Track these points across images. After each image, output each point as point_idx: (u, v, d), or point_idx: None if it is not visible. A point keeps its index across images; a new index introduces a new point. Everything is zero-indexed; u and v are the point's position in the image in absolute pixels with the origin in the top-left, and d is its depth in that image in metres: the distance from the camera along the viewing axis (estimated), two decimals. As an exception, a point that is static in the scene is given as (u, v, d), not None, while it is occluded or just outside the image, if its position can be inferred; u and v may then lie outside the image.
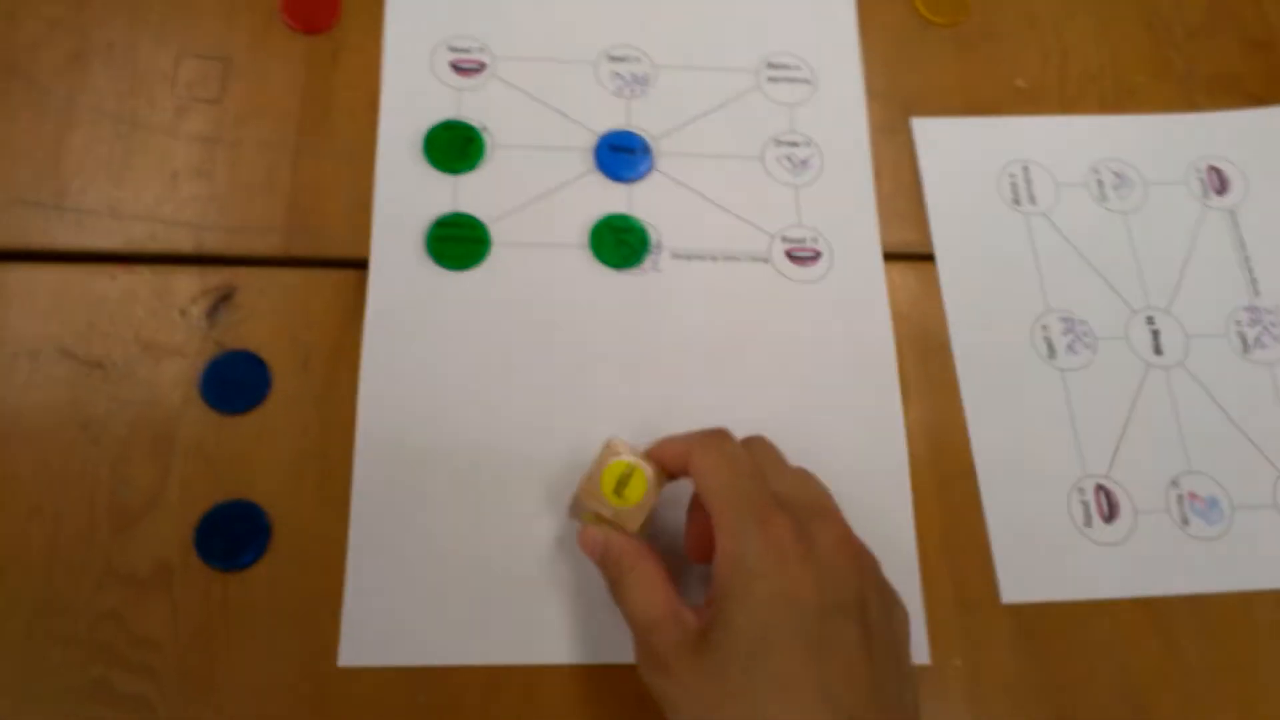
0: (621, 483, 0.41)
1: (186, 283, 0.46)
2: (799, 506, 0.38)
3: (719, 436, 0.40)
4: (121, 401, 0.44)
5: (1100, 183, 0.55)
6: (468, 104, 0.52)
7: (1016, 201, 0.54)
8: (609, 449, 0.41)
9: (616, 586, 0.39)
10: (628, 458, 0.41)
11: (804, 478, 0.41)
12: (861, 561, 0.38)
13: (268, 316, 0.46)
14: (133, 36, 0.51)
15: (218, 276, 0.46)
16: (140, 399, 0.44)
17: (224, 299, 0.46)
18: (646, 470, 0.41)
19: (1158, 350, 0.51)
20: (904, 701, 0.36)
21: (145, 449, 0.43)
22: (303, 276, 0.47)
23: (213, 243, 0.47)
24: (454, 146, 0.50)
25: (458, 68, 0.52)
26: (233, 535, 0.42)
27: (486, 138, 0.51)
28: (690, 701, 0.35)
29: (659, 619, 0.37)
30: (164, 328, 0.45)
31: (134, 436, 0.43)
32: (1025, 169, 0.55)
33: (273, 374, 0.45)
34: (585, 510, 0.41)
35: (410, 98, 0.51)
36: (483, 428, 0.46)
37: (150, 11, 0.51)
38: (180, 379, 0.45)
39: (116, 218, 0.47)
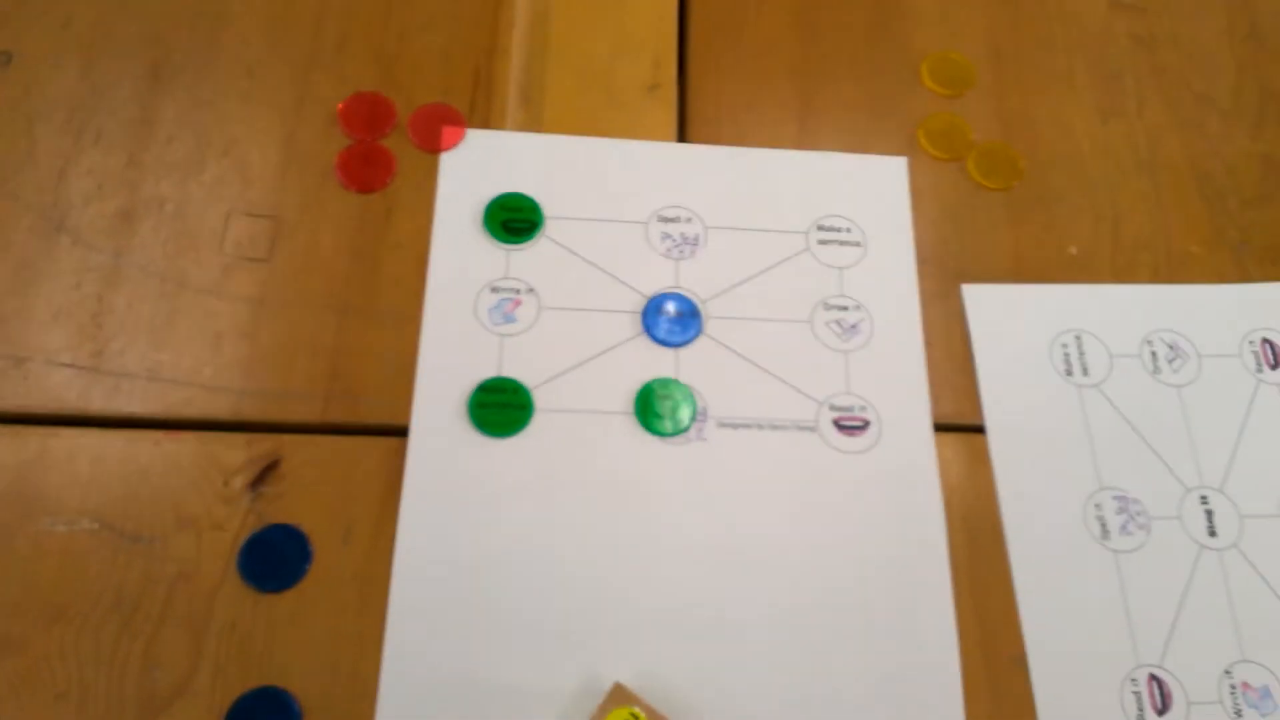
0: None
1: (232, 451, 0.47)
2: None
3: None
4: (157, 578, 0.44)
5: (1154, 354, 0.55)
6: (516, 264, 0.52)
7: (1069, 372, 0.54)
8: (614, 695, 0.42)
9: None
10: (631, 705, 0.41)
11: None
12: None
13: (312, 487, 0.46)
14: (184, 193, 0.52)
15: (263, 445, 0.47)
16: (177, 575, 0.44)
17: (269, 469, 0.46)
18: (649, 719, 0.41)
19: (1212, 532, 0.51)
20: None
21: (179, 629, 0.43)
22: (347, 445, 0.47)
23: (250, 408, 0.48)
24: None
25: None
26: (263, 725, 0.42)
27: (536, 297, 0.52)
28: None
29: None
30: (205, 499, 0.46)
31: (168, 616, 0.43)
32: (1078, 339, 0.55)
33: (314, 548, 0.45)
34: None
35: (460, 257, 0.52)
36: (517, 615, 0.45)
37: (204, 169, 0.53)
38: (220, 553, 0.45)
39: (154, 380, 0.48)
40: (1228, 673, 0.48)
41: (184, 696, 0.42)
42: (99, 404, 0.47)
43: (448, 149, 0.55)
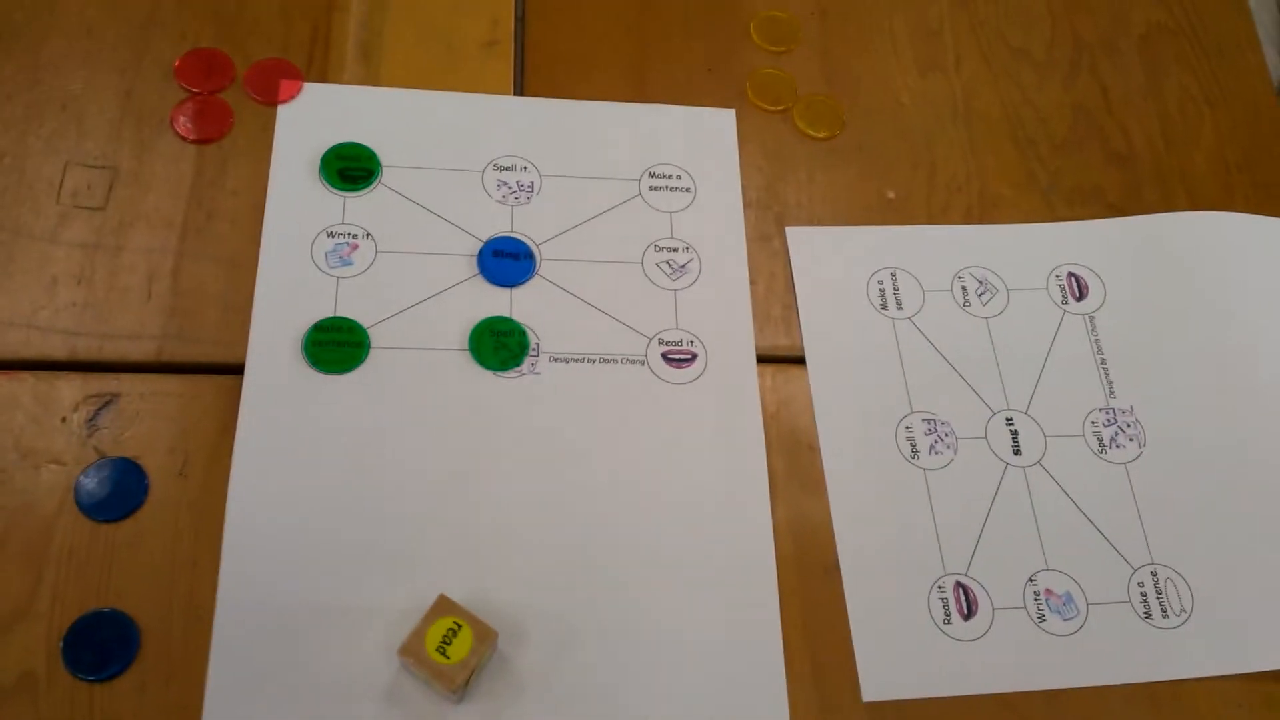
0: (447, 640, 0.45)
1: (69, 389, 0.49)
2: None
3: None
4: (-4, 508, 0.46)
5: (964, 289, 0.60)
6: (352, 210, 0.56)
7: (884, 306, 0.59)
8: (437, 606, 0.45)
9: None
10: (455, 615, 0.45)
11: None
12: None
13: (148, 423, 0.49)
14: (22, 146, 0.54)
15: (100, 383, 0.50)
16: (15, 505, 0.47)
17: (105, 405, 0.49)
18: (473, 628, 0.45)
19: (1016, 450, 0.56)
20: None
21: (17, 557, 0.46)
22: (184, 383, 0.50)
23: (86, 349, 0.50)
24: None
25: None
26: (101, 646, 0.44)
27: (373, 241, 0.55)
28: None
29: None
30: (44, 434, 0.48)
31: (7, 544, 0.46)
32: (893, 275, 0.60)
33: (150, 481, 0.48)
34: (409, 665, 0.45)
35: (296, 204, 0.55)
36: (351, 542, 0.49)
37: (43, 123, 0.55)
38: (57, 486, 0.47)
39: (-9, 323, 0.50)
40: (1031, 580, 0.53)
41: (24, 619, 0.45)
42: (-64, 347, 0.50)
43: (285, 101, 0.58)
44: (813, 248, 0.60)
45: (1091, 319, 0.60)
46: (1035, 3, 0.70)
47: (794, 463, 0.54)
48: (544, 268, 0.56)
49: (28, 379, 0.49)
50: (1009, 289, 0.61)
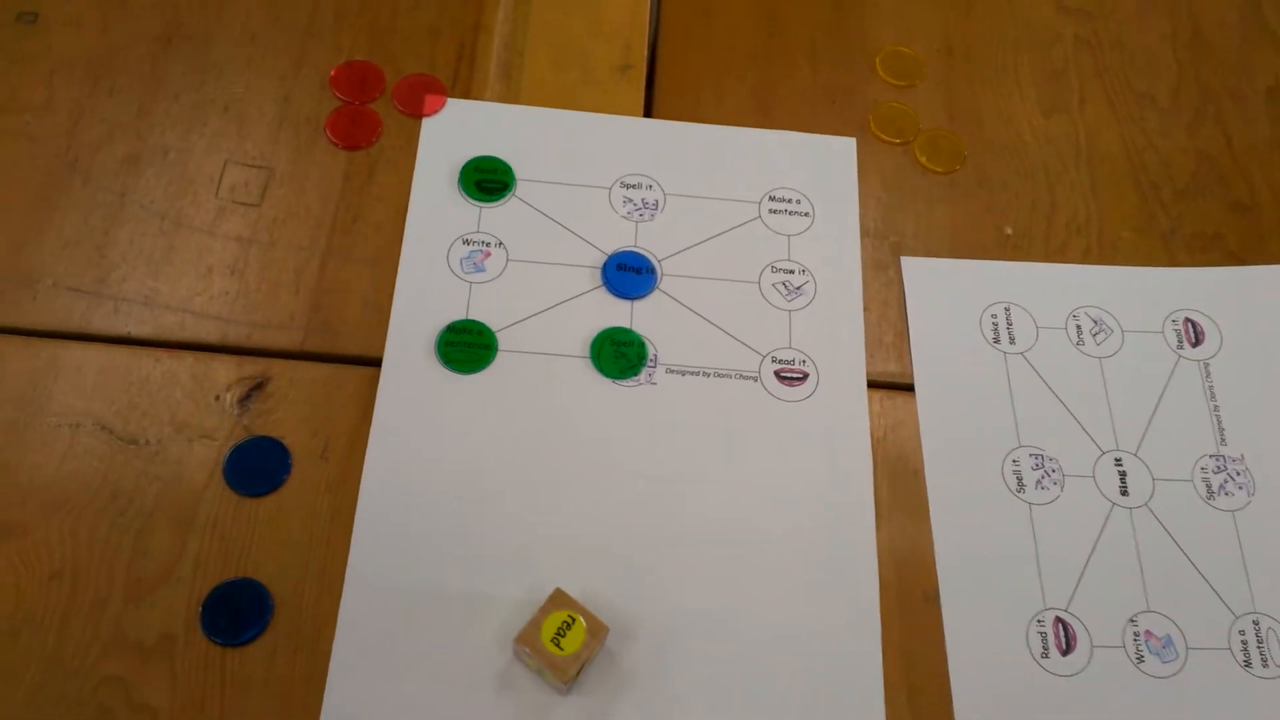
0: (561, 632, 0.47)
1: (224, 370, 0.54)
2: None
3: None
4: (151, 477, 0.51)
5: (1079, 327, 0.61)
6: (487, 220, 0.59)
7: (996, 340, 0.61)
8: (554, 599, 0.48)
9: None
10: (570, 609, 0.48)
11: None
12: None
13: (294, 406, 0.53)
14: (186, 143, 0.60)
15: (253, 366, 0.54)
16: (168, 475, 0.51)
17: (257, 387, 0.53)
18: (586, 622, 0.47)
19: (1124, 491, 0.57)
20: None
21: (167, 524, 0.50)
22: (328, 371, 0.55)
23: (236, 336, 0.55)
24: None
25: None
26: (237, 612, 0.48)
27: (505, 250, 0.59)
28: None
29: None
30: (199, 410, 0.53)
31: (158, 511, 0.50)
32: (1007, 310, 0.61)
33: (293, 461, 0.52)
34: (525, 654, 0.48)
35: (435, 212, 0.59)
36: (472, 533, 0.52)
37: (206, 122, 0.61)
38: (208, 459, 0.52)
39: (150, 306, 0.55)
40: (1132, 621, 0.54)
41: (168, 583, 0.49)
42: (99, 324, 0.55)
43: (430, 115, 0.62)
44: (927, 278, 0.62)
45: (1206, 365, 0.61)
46: (1161, 50, 0.71)
47: (898, 488, 0.56)
48: (664, 282, 0.59)
49: (187, 358, 0.54)
50: (1124, 330, 0.62)
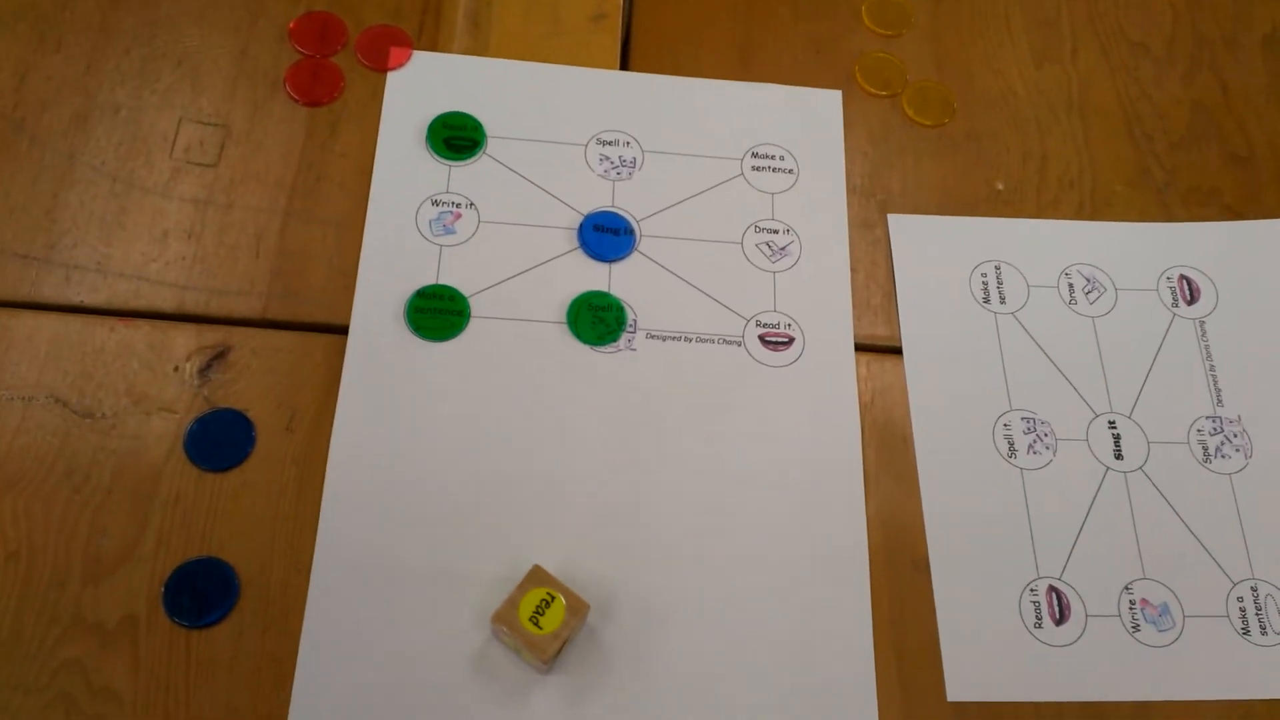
0: (540, 610, 0.47)
1: (183, 339, 0.53)
2: None
3: None
4: (108, 452, 0.50)
5: (1071, 286, 0.61)
6: (457, 179, 0.58)
7: (987, 300, 0.60)
8: (532, 576, 0.47)
9: None
10: (549, 586, 0.47)
11: None
12: None
13: (257, 377, 0.52)
14: (138, 100, 0.58)
15: (213, 335, 0.53)
16: (126, 450, 0.50)
17: (218, 357, 0.52)
18: (565, 600, 0.47)
19: (1118, 455, 0.57)
20: None
21: (126, 501, 0.49)
22: (293, 339, 0.53)
23: (194, 303, 0.54)
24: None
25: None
26: (201, 593, 0.47)
27: (476, 211, 0.57)
28: None
29: None
30: (157, 382, 0.52)
31: (116, 487, 0.49)
32: (998, 269, 0.61)
33: (257, 433, 0.51)
34: (502, 633, 0.47)
35: (402, 171, 0.58)
36: (446, 507, 0.51)
37: (159, 78, 0.59)
38: (168, 433, 0.51)
39: (103, 273, 0.54)
40: (1127, 589, 0.54)
41: (128, 562, 0.48)
42: (50, 292, 0.53)
43: (394, 68, 0.61)
44: (915, 237, 0.61)
45: (1202, 324, 0.61)
46: (1156, -2, 0.71)
47: (887, 454, 0.55)
48: (643, 244, 0.58)
49: (143, 327, 0.52)
50: (1117, 289, 0.61)
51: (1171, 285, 0.62)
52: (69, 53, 0.59)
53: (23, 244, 0.54)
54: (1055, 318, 0.60)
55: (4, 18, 0.59)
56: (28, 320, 0.52)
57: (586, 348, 0.55)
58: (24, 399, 0.50)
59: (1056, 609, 0.53)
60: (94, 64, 0.59)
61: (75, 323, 0.52)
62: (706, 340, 0.56)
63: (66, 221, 0.55)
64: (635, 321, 0.56)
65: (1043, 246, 0.62)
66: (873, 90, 0.65)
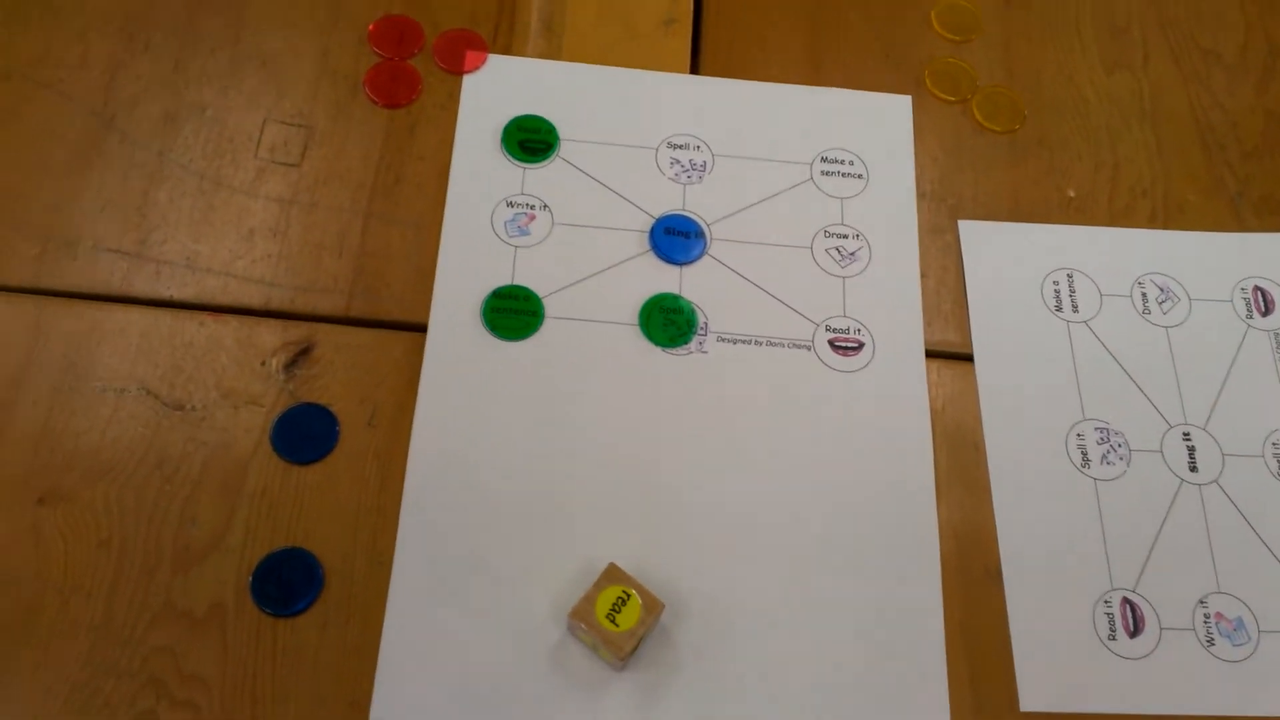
0: (616, 608, 0.49)
1: (269, 335, 0.55)
2: None
3: None
4: (198, 443, 0.53)
5: (1144, 295, 0.62)
6: (531, 181, 0.60)
7: (1059, 308, 0.61)
8: (608, 574, 0.49)
9: None
10: (624, 584, 0.49)
11: None
12: None
13: (341, 372, 0.55)
14: (224, 100, 0.61)
15: (298, 331, 0.56)
16: (215, 442, 0.53)
17: (303, 353, 0.55)
18: (641, 598, 0.49)
19: (1193, 467, 0.58)
20: None
21: (214, 492, 0.52)
22: (374, 336, 0.56)
23: (279, 300, 0.56)
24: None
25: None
26: (287, 583, 0.50)
27: (550, 213, 0.60)
28: None
29: None
30: (244, 376, 0.54)
31: (205, 478, 0.52)
32: (1070, 277, 0.62)
33: (341, 428, 0.53)
34: (579, 629, 0.49)
35: (478, 173, 0.60)
36: (522, 504, 0.53)
37: (244, 79, 0.62)
38: (255, 426, 0.53)
39: (192, 269, 0.56)
40: (1202, 602, 0.55)
41: (216, 552, 0.50)
42: (141, 287, 0.56)
43: (470, 71, 0.63)
44: (986, 243, 0.63)
45: (1277, 336, 0.62)
46: (1228, 4, 0.72)
47: (958, 462, 0.57)
48: (714, 247, 0.60)
49: (231, 322, 0.55)
50: (1191, 299, 0.62)
51: (1246, 296, 0.63)
52: (157, 52, 0.62)
53: (114, 239, 0.57)
54: (1128, 327, 0.61)
55: (95, 18, 0.62)
56: (119, 314, 0.55)
57: (658, 349, 0.57)
58: (116, 391, 0.53)
59: (1130, 621, 0.54)
60: (181, 63, 0.62)
61: (165, 317, 0.55)
62: (776, 344, 0.58)
63: (156, 218, 0.58)
64: (706, 324, 0.58)
65: (1115, 255, 0.63)
66: (942, 95, 0.66)
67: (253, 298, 0.56)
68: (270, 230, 0.58)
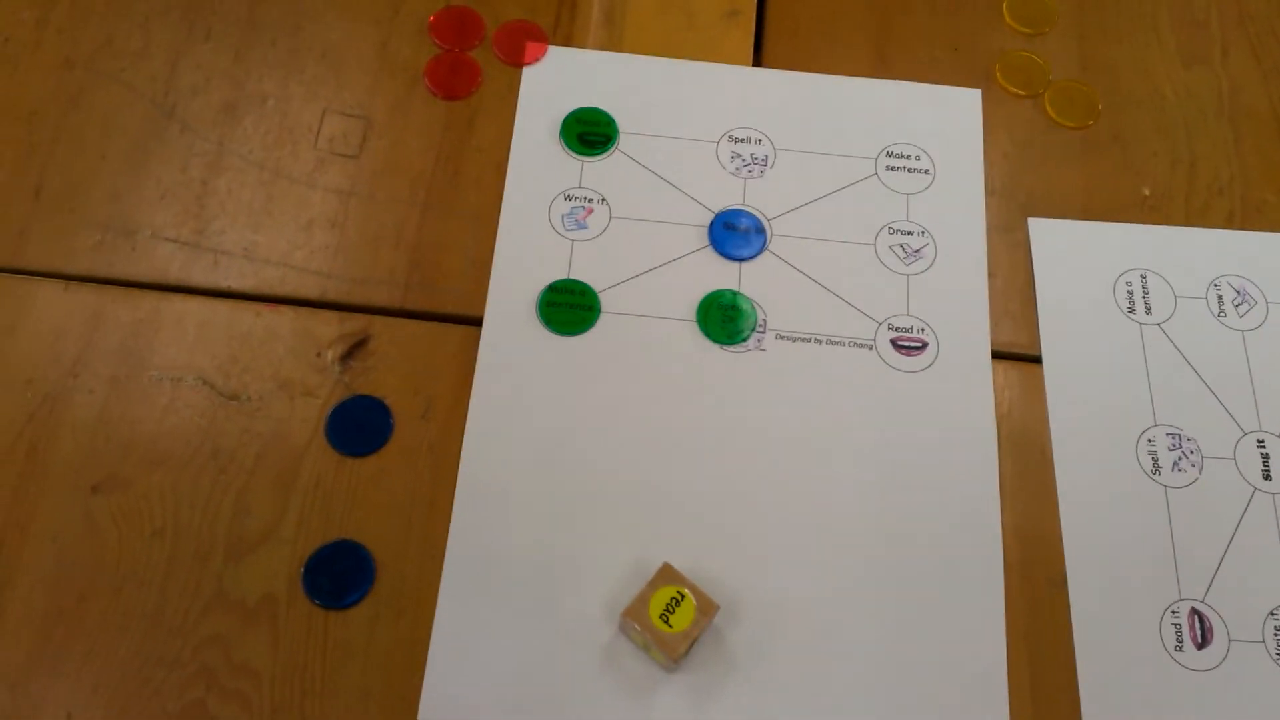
0: (669, 609, 0.48)
1: (325, 327, 0.56)
2: None
3: None
4: (253, 434, 0.53)
5: (1220, 298, 0.61)
6: (590, 175, 0.60)
7: (1131, 310, 0.60)
8: (662, 574, 0.49)
9: None
10: (679, 585, 0.49)
11: None
12: None
13: (396, 364, 0.55)
14: (284, 91, 0.62)
15: (354, 323, 0.56)
16: (270, 433, 0.53)
17: (359, 345, 0.55)
18: (695, 599, 0.48)
19: (1267, 475, 0.57)
20: None
21: (268, 482, 0.52)
22: (429, 329, 0.56)
23: (336, 291, 0.57)
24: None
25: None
26: (339, 575, 0.50)
27: (608, 206, 0.60)
28: None
29: None
30: (300, 367, 0.55)
31: (259, 469, 0.52)
32: (1143, 278, 0.61)
33: (395, 421, 0.54)
34: (632, 629, 0.49)
35: (536, 166, 0.61)
36: (576, 500, 0.53)
37: (304, 69, 0.62)
38: (309, 417, 0.54)
39: (250, 259, 0.57)
40: (1273, 614, 0.53)
41: (269, 542, 0.51)
42: (199, 277, 0.57)
43: (530, 63, 0.63)
44: (1057, 242, 0.61)
45: (1357, 342, 0.60)
46: (1312, -4, 0.70)
47: (1023, 466, 0.56)
48: (774, 243, 0.60)
49: (288, 313, 0.56)
50: (1268, 302, 0.61)
51: (1326, 300, 0.61)
52: (218, 42, 0.63)
53: (173, 228, 0.58)
54: (1203, 330, 0.60)
55: (156, 8, 0.63)
56: (177, 303, 0.56)
57: (716, 346, 0.57)
58: (173, 380, 0.54)
59: (1199, 632, 0.53)
60: (241, 54, 0.63)
61: (223, 307, 0.56)
62: (837, 343, 0.58)
63: (215, 208, 0.58)
64: (765, 321, 0.58)
65: (1191, 256, 0.62)
66: (1014, 90, 0.65)
67: (310, 289, 0.57)
68: (328, 221, 0.58)
